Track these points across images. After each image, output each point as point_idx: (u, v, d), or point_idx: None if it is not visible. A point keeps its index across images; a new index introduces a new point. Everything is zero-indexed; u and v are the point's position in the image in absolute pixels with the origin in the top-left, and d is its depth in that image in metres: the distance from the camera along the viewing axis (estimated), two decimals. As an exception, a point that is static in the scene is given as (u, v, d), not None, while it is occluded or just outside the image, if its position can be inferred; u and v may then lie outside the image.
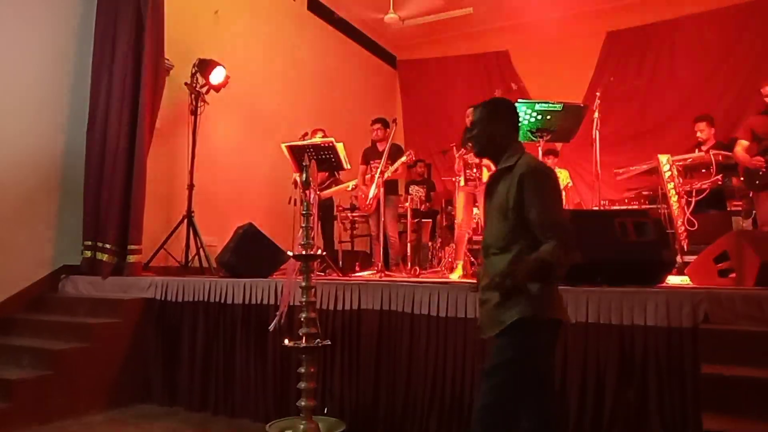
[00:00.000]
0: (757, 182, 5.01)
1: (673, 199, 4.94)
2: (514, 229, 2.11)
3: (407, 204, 6.70)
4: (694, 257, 4.19)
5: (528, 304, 2.07)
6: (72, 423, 3.89)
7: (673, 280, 4.04)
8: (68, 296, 4.92)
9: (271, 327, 3.70)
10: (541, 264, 2.03)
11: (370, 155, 6.00)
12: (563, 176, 6.94)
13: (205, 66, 5.84)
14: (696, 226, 4.85)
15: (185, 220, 5.64)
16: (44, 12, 5.00)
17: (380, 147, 5.87)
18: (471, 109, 5.41)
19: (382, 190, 5.45)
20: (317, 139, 5.55)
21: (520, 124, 2.37)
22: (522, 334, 2.08)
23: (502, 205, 2.16)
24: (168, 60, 5.50)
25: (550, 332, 2.17)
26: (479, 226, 6.02)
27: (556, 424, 2.29)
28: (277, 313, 3.71)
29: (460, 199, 5.46)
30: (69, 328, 4.37)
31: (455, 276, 5.19)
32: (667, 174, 5.02)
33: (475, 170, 5.19)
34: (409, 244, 6.52)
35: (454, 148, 5.59)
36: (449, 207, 7.50)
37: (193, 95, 5.85)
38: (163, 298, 4.56)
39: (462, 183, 5.34)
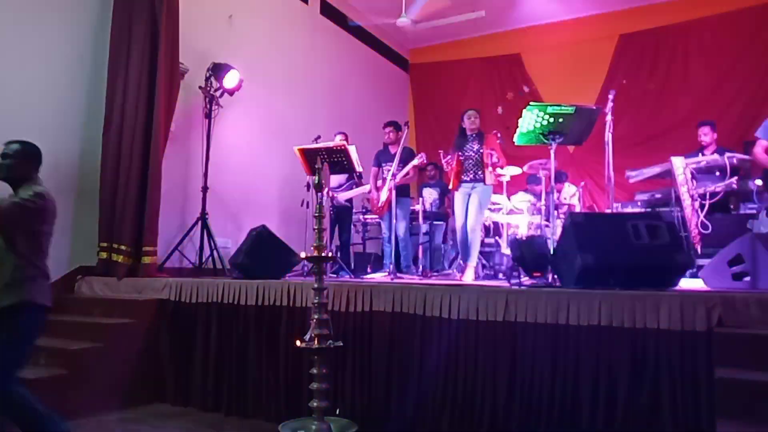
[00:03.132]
0: None
1: (687, 201, 4.91)
2: None
3: (419, 206, 6.71)
4: (708, 260, 4.16)
5: (16, 293, 2.77)
6: (87, 422, 3.92)
7: (686, 283, 4.01)
8: (84, 297, 4.98)
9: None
10: None
11: (382, 158, 6.03)
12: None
13: (219, 70, 5.92)
14: (710, 229, 4.82)
15: (199, 222, 5.71)
16: (61, 17, 5.08)
17: (392, 150, 5.90)
18: (473, 111, 5.52)
19: (393, 192, 5.48)
20: (337, 140, 5.67)
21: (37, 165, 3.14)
22: (15, 315, 2.76)
23: None
24: (183, 64, 5.57)
25: (38, 315, 2.87)
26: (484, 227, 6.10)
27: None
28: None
29: (456, 201, 5.55)
30: (84, 328, 4.42)
31: (467, 278, 5.20)
32: (681, 177, 5.00)
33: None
34: (420, 247, 6.52)
35: (441, 153, 5.68)
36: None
37: (207, 99, 5.93)
38: (177, 299, 4.60)
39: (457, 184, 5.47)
